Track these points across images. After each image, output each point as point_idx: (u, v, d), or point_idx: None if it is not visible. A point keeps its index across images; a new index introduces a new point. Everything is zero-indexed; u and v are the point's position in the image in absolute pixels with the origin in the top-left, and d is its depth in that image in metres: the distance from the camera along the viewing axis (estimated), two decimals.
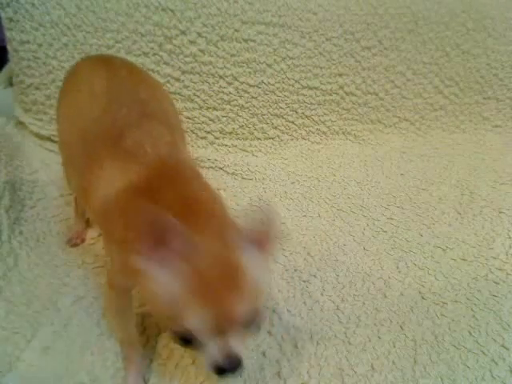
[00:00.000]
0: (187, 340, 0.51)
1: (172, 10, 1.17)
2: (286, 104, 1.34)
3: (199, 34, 1.21)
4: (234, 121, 1.31)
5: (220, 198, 0.65)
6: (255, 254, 0.55)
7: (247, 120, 1.32)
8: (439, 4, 1.42)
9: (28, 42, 1.13)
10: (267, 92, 1.31)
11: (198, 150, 1.29)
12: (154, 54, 1.20)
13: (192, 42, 1.21)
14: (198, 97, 1.26)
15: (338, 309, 0.82)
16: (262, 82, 1.30)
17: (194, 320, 0.48)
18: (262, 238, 0.56)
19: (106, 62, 0.84)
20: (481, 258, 0.96)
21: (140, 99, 0.73)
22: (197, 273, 0.49)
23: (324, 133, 1.41)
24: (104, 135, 0.66)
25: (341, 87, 1.38)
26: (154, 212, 0.49)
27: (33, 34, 1.13)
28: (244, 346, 0.53)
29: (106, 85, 0.74)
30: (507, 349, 0.74)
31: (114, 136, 0.65)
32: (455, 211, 1.11)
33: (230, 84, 1.27)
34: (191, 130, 1.29)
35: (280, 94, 1.33)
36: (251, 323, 0.53)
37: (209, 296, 0.49)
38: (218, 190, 1.16)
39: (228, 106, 1.29)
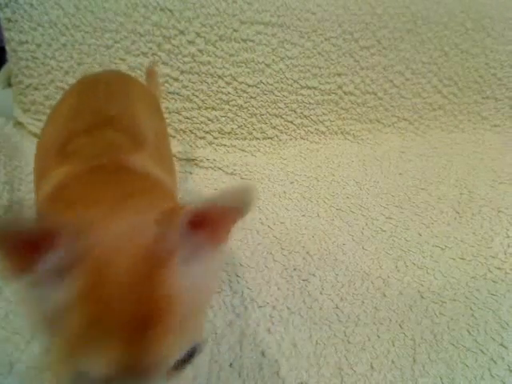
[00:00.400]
0: None
1: (171, 10, 1.18)
2: (285, 104, 1.34)
3: (198, 34, 1.21)
4: (232, 121, 1.31)
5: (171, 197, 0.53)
6: (197, 252, 0.39)
7: (246, 120, 1.32)
8: (438, 4, 1.42)
9: (26, 42, 1.13)
10: (266, 92, 1.31)
11: (196, 150, 1.29)
12: (153, 54, 1.20)
13: (191, 42, 1.21)
14: (197, 97, 1.27)
15: (337, 308, 0.82)
16: (261, 81, 1.30)
17: (92, 365, 0.33)
18: (215, 219, 0.39)
19: (91, 80, 0.84)
20: (479, 257, 0.96)
21: (104, 113, 0.69)
22: (97, 293, 0.34)
23: (323, 132, 1.41)
24: (56, 145, 0.63)
25: (339, 87, 1.38)
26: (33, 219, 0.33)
27: (31, 34, 1.13)
28: None
29: (74, 102, 0.73)
30: (506, 348, 0.75)
31: (63, 144, 0.62)
32: (454, 211, 1.12)
33: (228, 84, 1.27)
34: (190, 130, 1.29)
35: (279, 94, 1.33)
36: (183, 363, 0.37)
37: (115, 329, 0.33)
38: (216, 190, 1.16)
39: (227, 106, 1.29)
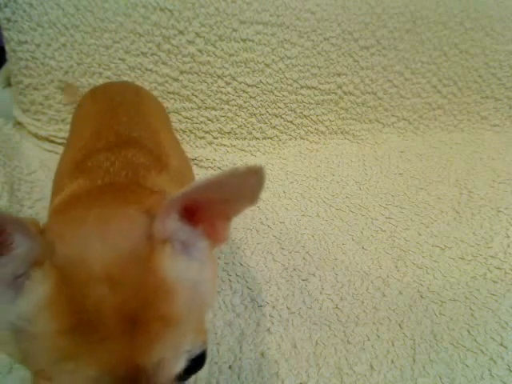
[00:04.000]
0: None
1: (170, 10, 1.17)
2: (285, 104, 1.34)
3: (197, 34, 1.21)
4: (232, 121, 1.31)
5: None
6: (193, 245, 0.35)
7: (246, 120, 1.32)
8: (437, 3, 1.42)
9: (26, 42, 1.13)
10: (265, 92, 1.31)
11: (196, 150, 1.29)
12: (153, 54, 1.20)
13: (190, 42, 1.21)
14: (197, 97, 1.26)
15: (336, 307, 0.82)
16: (261, 81, 1.30)
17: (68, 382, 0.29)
18: (213, 210, 0.35)
19: (107, 98, 0.83)
20: (479, 257, 0.96)
21: (127, 134, 0.68)
22: (71, 295, 0.29)
23: (322, 132, 1.41)
24: (74, 163, 0.63)
25: (339, 87, 1.38)
26: None
27: (31, 34, 1.13)
28: None
29: (95, 124, 0.73)
30: (506, 347, 0.75)
31: (81, 161, 0.61)
32: (453, 210, 1.12)
33: (228, 84, 1.27)
34: (189, 130, 1.29)
35: (278, 94, 1.33)
36: (188, 372, 0.33)
37: (101, 334, 0.28)
38: None
39: (226, 106, 1.29)
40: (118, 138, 0.67)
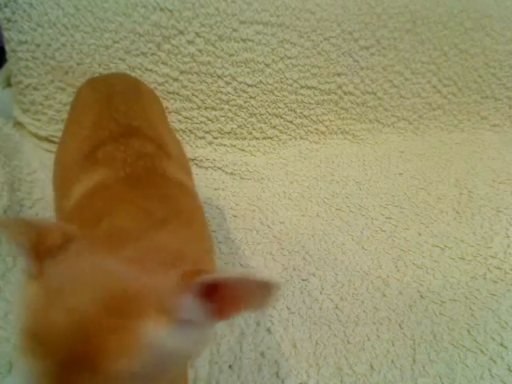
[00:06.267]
0: None
1: (170, 10, 1.17)
2: (285, 104, 1.34)
3: (197, 34, 1.21)
4: (232, 121, 1.31)
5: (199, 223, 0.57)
6: (196, 319, 0.36)
7: (246, 120, 1.32)
8: (437, 3, 1.42)
9: (26, 42, 1.13)
10: (265, 92, 1.31)
11: (196, 150, 1.29)
12: (152, 54, 1.20)
13: (190, 42, 1.21)
14: (197, 97, 1.26)
15: (336, 308, 0.82)
16: (261, 81, 1.30)
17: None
18: (228, 296, 0.36)
19: (106, 89, 0.84)
20: (479, 257, 0.96)
21: (128, 124, 0.70)
22: (41, 313, 0.33)
23: (322, 132, 1.41)
24: (82, 154, 0.65)
25: (339, 87, 1.38)
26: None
27: (31, 34, 1.13)
28: None
29: (95, 114, 0.74)
30: (506, 347, 0.75)
31: (89, 152, 0.63)
32: (453, 210, 1.12)
33: (228, 84, 1.27)
34: (189, 130, 1.29)
35: (278, 94, 1.33)
36: None
37: (41, 350, 0.32)
38: (216, 189, 1.16)
39: (226, 106, 1.29)
40: (120, 128, 0.68)
